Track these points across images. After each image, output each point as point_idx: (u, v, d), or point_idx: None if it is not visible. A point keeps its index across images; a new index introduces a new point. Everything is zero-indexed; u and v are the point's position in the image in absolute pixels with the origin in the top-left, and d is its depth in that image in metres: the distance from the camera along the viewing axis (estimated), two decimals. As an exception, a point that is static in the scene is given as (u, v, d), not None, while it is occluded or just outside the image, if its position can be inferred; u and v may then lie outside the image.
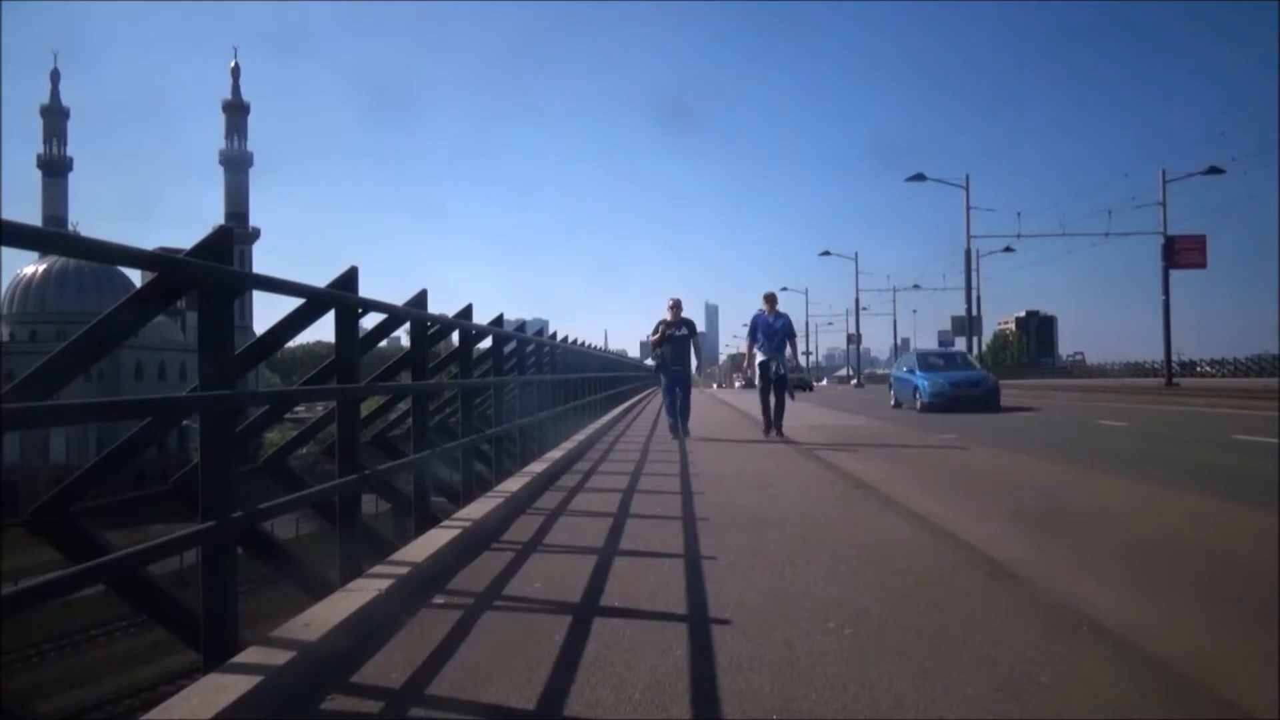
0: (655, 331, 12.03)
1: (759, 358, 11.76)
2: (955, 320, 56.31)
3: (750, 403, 25.77)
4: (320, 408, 6.64)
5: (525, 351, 9.57)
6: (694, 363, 12.50)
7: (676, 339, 12.00)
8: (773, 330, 11.67)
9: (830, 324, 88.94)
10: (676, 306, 12.16)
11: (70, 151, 75.20)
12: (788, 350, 11.80)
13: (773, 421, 11.75)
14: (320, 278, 3.76)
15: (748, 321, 12.37)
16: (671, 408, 12.21)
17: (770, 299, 11.90)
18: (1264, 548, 4.47)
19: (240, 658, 2.56)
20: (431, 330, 5.52)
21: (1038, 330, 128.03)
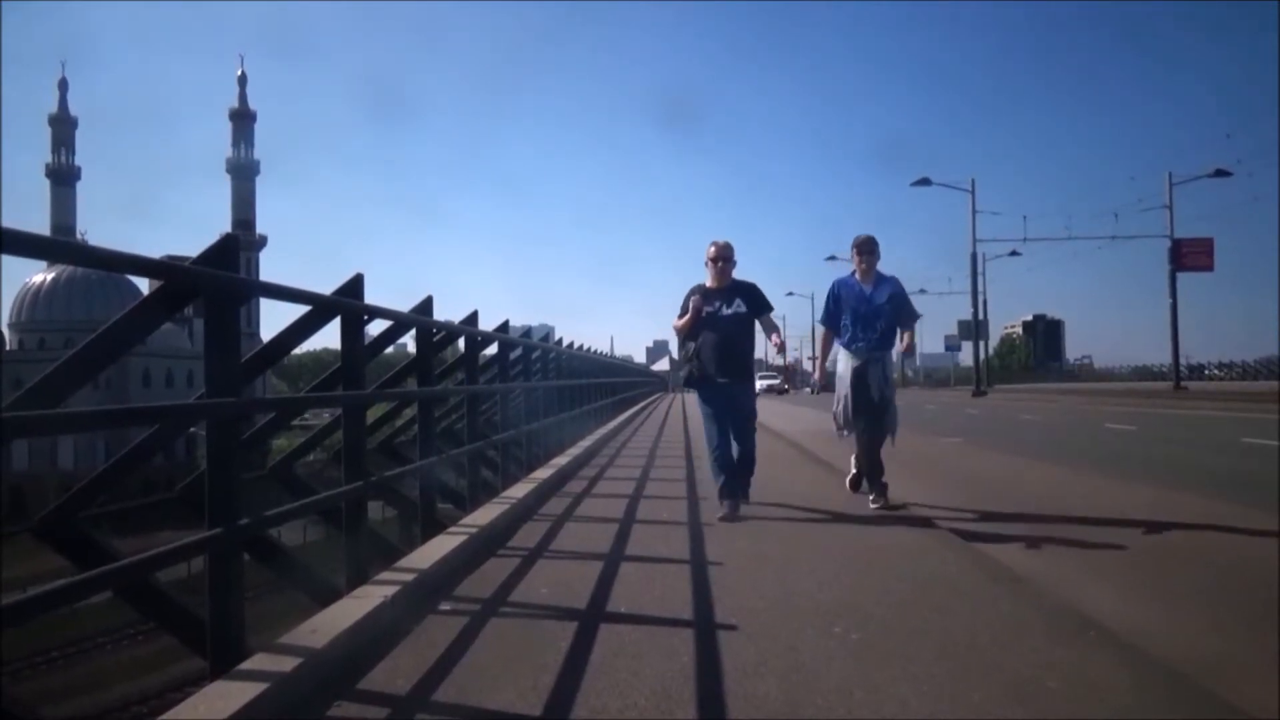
0: (683, 312, 6.03)
1: (843, 361, 6.20)
2: (961, 324, 56.29)
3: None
4: (327, 414, 6.67)
5: (531, 357, 9.59)
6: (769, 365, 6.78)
7: (723, 321, 5.92)
8: (871, 308, 6.10)
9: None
10: (722, 258, 6.01)
11: (77, 157, 75.46)
12: (898, 344, 6.32)
13: (866, 473, 6.20)
14: (326, 282, 3.78)
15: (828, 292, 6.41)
16: (723, 455, 5.97)
17: (864, 249, 6.20)
18: (1266, 549, 4.45)
19: (247, 664, 2.57)
20: (437, 337, 5.54)
21: (1045, 334, 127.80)
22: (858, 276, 6.23)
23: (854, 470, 6.53)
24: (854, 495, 6.41)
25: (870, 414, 6.09)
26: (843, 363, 6.20)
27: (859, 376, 6.05)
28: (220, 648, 2.63)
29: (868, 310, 6.11)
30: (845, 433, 6.27)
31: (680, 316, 6.06)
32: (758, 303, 6.05)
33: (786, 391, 45.65)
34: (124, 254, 2.75)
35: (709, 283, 6.03)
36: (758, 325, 6.07)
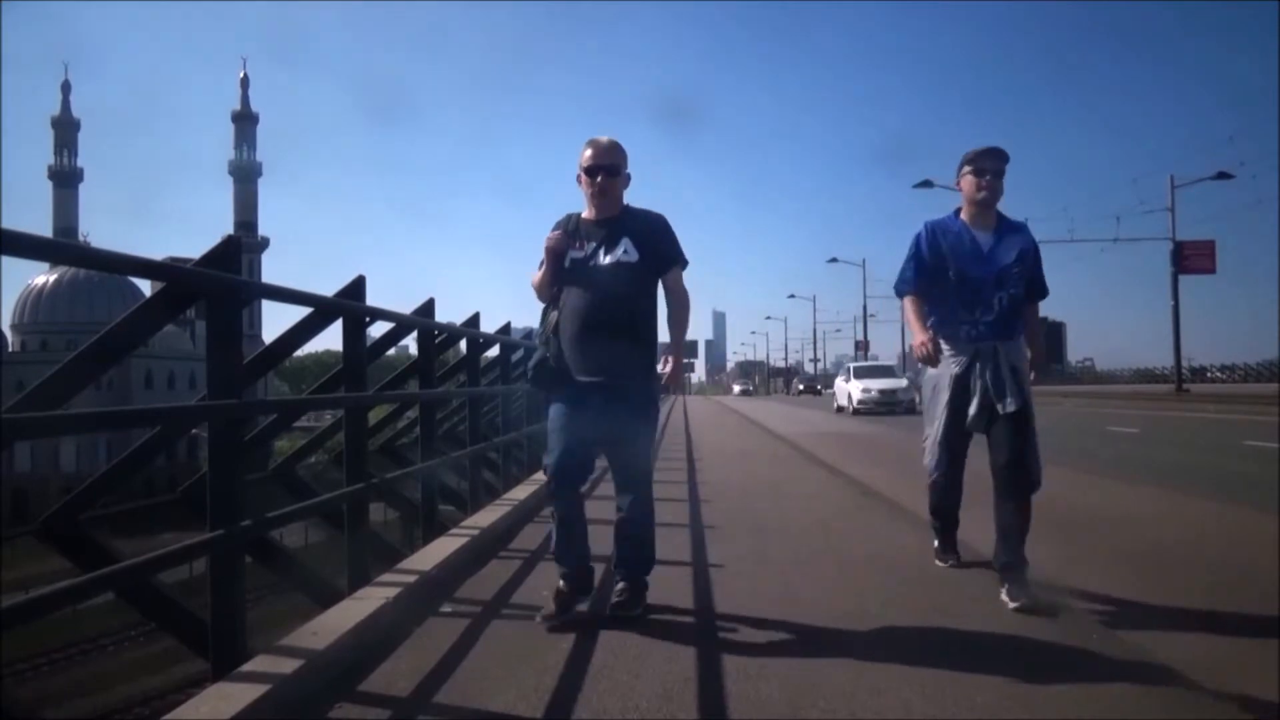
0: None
1: (944, 356, 3.69)
2: (963, 326, 56.12)
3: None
4: (329, 416, 6.68)
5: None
6: (664, 361, 3.49)
7: (599, 275, 3.34)
8: (992, 271, 3.60)
9: (839, 330, 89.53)
10: (602, 168, 3.37)
11: (80, 159, 75.75)
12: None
13: (1001, 550, 3.50)
14: (328, 284, 3.79)
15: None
16: (571, 507, 3.58)
17: (987, 164, 3.59)
18: (1267, 549, 4.44)
19: (248, 666, 2.57)
20: (439, 339, 5.54)
21: (1046, 336, 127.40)
22: (964, 217, 3.72)
23: (936, 540, 4.18)
24: (938, 565, 4.14)
25: (998, 440, 3.55)
26: (943, 357, 3.72)
27: (965, 382, 3.64)
28: (222, 649, 2.64)
29: (985, 274, 3.62)
30: (937, 473, 3.86)
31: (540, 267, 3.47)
32: (660, 250, 3.43)
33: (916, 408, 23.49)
34: (126, 256, 2.75)
35: (585, 212, 3.52)
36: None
